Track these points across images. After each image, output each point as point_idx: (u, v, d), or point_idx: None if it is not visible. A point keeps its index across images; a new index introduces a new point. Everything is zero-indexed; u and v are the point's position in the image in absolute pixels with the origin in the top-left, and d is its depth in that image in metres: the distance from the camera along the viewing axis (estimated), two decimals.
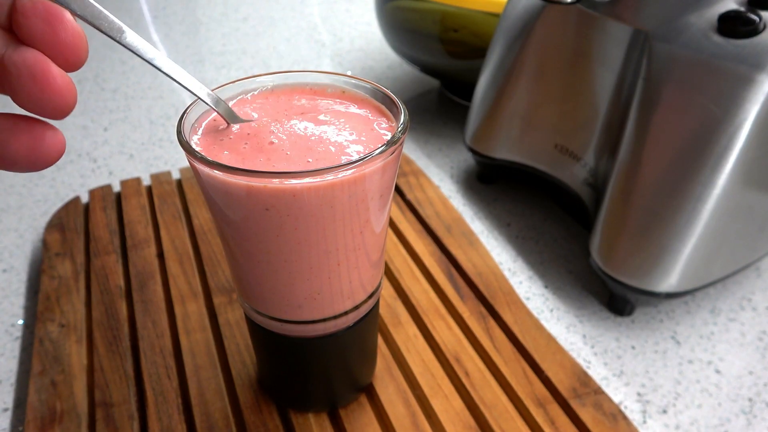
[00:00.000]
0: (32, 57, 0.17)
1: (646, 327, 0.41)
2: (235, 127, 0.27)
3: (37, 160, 0.18)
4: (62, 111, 0.18)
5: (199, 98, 0.25)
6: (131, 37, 0.21)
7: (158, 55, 0.22)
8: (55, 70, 0.17)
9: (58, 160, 0.19)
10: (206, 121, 0.27)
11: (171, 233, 0.46)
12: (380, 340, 0.38)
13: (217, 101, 0.26)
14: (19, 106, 0.18)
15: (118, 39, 0.20)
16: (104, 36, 0.20)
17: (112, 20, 0.20)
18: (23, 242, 0.49)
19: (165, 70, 0.23)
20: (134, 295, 0.41)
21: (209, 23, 0.91)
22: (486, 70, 0.50)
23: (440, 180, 0.56)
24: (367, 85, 0.29)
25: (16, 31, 0.18)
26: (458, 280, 0.42)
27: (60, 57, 0.18)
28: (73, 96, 0.18)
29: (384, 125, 0.27)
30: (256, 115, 0.28)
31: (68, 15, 0.18)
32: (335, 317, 0.29)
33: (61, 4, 0.18)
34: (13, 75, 0.17)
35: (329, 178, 0.23)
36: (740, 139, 0.34)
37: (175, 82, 0.24)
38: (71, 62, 0.18)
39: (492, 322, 0.39)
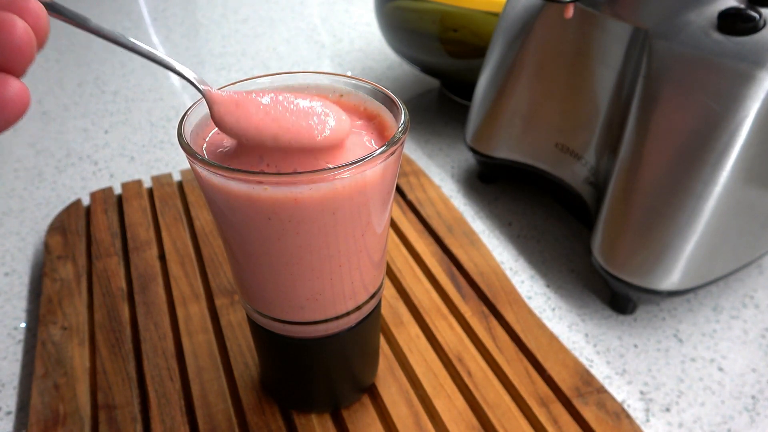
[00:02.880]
0: None
1: (648, 325, 0.41)
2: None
3: (3, 110, 0.18)
4: (23, 58, 0.18)
5: (178, 73, 0.25)
6: (95, 24, 0.21)
7: (123, 36, 0.22)
8: (17, 18, 0.18)
9: (24, 113, 0.19)
10: (207, 123, 0.27)
11: (172, 235, 0.46)
12: (382, 341, 0.38)
13: (198, 78, 0.25)
14: None
15: (82, 25, 0.21)
16: (105, 39, 0.21)
17: (75, 13, 0.21)
18: (25, 245, 0.49)
19: (134, 47, 0.23)
20: (136, 297, 0.41)
21: (209, 25, 0.91)
22: (486, 70, 0.50)
23: (441, 180, 0.56)
24: (367, 86, 0.29)
25: None
26: (460, 280, 0.42)
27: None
28: (32, 44, 0.18)
29: (384, 133, 0.27)
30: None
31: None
32: (337, 318, 0.29)
33: None
34: None
35: (330, 178, 0.23)
36: (741, 137, 0.34)
37: (151, 60, 0.24)
38: (32, 26, 0.18)
39: (494, 322, 0.39)
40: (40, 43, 0.19)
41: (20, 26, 0.18)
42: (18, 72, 0.18)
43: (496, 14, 0.53)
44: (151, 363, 0.37)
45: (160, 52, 0.24)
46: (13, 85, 0.18)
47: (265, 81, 0.29)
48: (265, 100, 0.24)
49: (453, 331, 0.38)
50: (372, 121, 0.28)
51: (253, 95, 0.25)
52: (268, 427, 0.33)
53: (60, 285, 0.42)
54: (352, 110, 0.29)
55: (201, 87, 0.24)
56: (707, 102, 0.35)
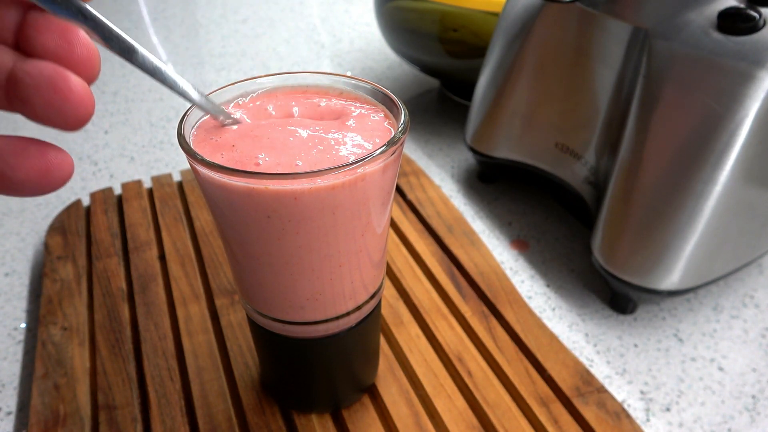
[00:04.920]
0: (50, 66, 0.17)
1: (648, 325, 0.41)
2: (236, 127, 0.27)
3: (47, 185, 0.18)
4: (82, 120, 0.17)
5: (220, 122, 0.26)
6: (142, 56, 0.20)
7: (172, 74, 0.22)
8: (75, 78, 0.17)
9: (65, 183, 0.18)
10: (207, 123, 0.27)
11: (172, 235, 0.46)
12: (382, 341, 0.38)
13: (234, 121, 0.26)
14: (33, 118, 0.17)
15: (128, 59, 0.20)
16: (145, 72, 0.21)
17: (124, 39, 0.20)
18: (25, 246, 0.49)
19: (180, 91, 0.23)
20: (136, 298, 0.41)
21: (209, 25, 0.91)
22: (486, 70, 0.50)
23: (441, 180, 0.56)
24: (367, 86, 0.29)
25: (25, 46, 0.17)
26: (460, 280, 0.42)
27: (74, 72, 0.17)
28: (92, 104, 0.17)
29: (384, 125, 0.27)
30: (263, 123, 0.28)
31: (82, 31, 0.18)
32: (337, 318, 0.29)
33: (75, 22, 0.18)
34: (29, 86, 0.17)
35: (330, 178, 0.23)
36: (741, 136, 0.34)
37: (188, 101, 0.24)
38: (85, 77, 0.18)
39: (494, 322, 0.39)
40: (92, 79, 0.18)
41: (80, 90, 0.17)
42: (72, 130, 0.17)
43: (496, 14, 0.53)
44: (152, 363, 0.37)
45: (202, 96, 0.24)
46: (58, 158, 0.18)
47: (265, 81, 0.29)
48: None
49: (453, 331, 0.38)
50: (374, 106, 0.28)
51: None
52: (268, 428, 0.33)
53: (60, 285, 0.42)
54: (353, 99, 0.29)
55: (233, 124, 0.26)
56: (707, 102, 0.35)
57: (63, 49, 0.17)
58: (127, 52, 0.20)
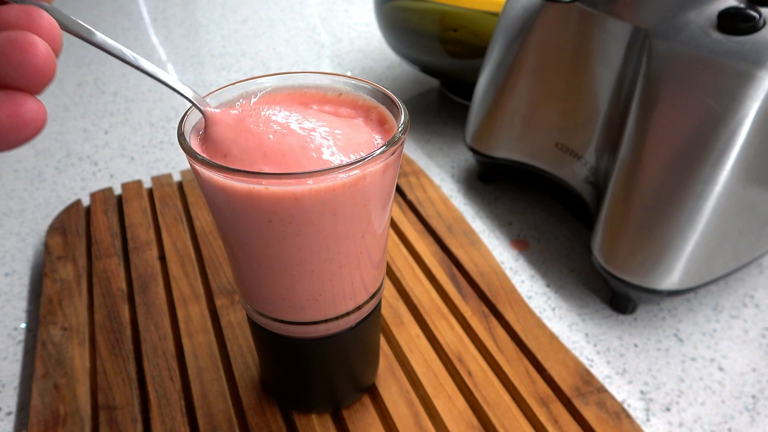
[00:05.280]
0: (12, 32, 0.17)
1: (648, 325, 0.41)
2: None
3: (20, 130, 0.18)
4: (44, 77, 0.18)
5: (179, 93, 0.25)
6: (101, 37, 0.21)
7: (128, 52, 0.22)
8: (36, 37, 0.18)
9: (40, 131, 0.18)
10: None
11: (172, 235, 0.46)
12: (382, 341, 0.38)
13: (197, 98, 0.26)
14: None
15: (87, 39, 0.21)
16: (109, 54, 0.21)
17: (82, 24, 0.21)
18: (25, 246, 0.49)
19: (136, 64, 0.23)
20: (136, 298, 0.41)
21: (208, 25, 0.91)
22: (486, 70, 0.50)
23: (441, 180, 0.56)
24: (367, 86, 0.29)
25: None
26: (460, 280, 0.42)
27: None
28: (54, 64, 0.18)
29: (384, 125, 0.27)
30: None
31: (42, 10, 0.18)
32: (337, 318, 0.29)
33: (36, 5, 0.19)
34: None
35: (330, 178, 0.23)
36: (741, 136, 0.34)
37: (152, 78, 0.24)
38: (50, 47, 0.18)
39: (494, 322, 0.39)
40: (56, 51, 0.19)
41: (41, 46, 0.17)
42: (36, 91, 0.18)
43: (496, 14, 0.53)
44: (152, 363, 0.37)
45: (163, 72, 0.24)
46: (30, 104, 0.18)
47: (265, 81, 0.29)
48: (261, 123, 0.25)
49: (453, 331, 0.38)
50: (370, 112, 0.28)
51: (251, 116, 0.26)
52: (268, 428, 0.33)
53: (60, 285, 0.42)
54: (350, 105, 0.29)
55: (202, 108, 0.26)
56: (707, 101, 0.35)
57: (24, 21, 0.18)
58: (86, 33, 0.21)
